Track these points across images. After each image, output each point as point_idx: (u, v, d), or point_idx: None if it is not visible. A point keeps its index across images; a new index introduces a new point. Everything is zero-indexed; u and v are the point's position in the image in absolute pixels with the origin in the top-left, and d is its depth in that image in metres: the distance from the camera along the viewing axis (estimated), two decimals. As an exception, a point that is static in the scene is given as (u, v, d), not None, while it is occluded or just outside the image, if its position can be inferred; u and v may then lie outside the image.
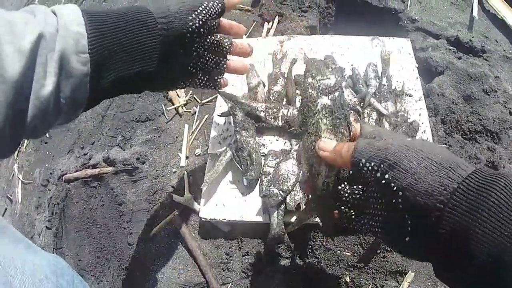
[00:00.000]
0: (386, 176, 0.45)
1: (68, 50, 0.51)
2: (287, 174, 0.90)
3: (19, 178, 1.41)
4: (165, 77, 0.66)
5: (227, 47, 0.73)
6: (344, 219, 0.54)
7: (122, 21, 0.57)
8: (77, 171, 1.17)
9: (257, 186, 0.94)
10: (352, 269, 0.94)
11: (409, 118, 0.99)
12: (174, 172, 1.04)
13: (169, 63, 0.64)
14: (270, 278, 0.94)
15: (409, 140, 0.48)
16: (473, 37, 1.23)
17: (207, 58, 0.71)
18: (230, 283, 0.95)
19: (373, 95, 0.99)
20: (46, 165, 1.31)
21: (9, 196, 1.44)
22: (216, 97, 1.10)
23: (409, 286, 0.93)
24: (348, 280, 0.93)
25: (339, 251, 0.93)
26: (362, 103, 0.99)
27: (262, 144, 0.98)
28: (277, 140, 0.98)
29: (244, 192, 0.94)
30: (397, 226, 0.45)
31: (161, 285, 0.97)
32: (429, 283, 0.95)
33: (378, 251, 0.94)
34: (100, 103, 0.61)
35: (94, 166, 1.14)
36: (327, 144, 0.55)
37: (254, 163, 0.91)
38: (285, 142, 0.98)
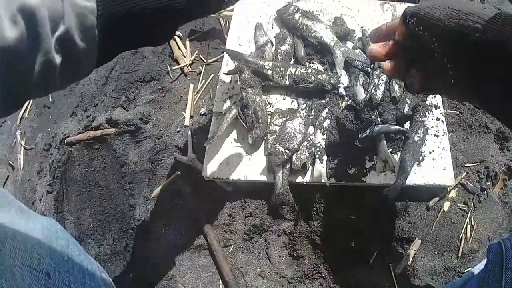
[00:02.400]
0: (421, 27, 0.52)
1: (72, 29, 0.47)
2: (294, 133, 0.88)
3: (21, 144, 1.39)
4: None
5: None
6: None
7: None
8: (79, 133, 1.15)
9: (262, 145, 0.92)
10: (357, 233, 0.92)
11: (420, 82, 0.97)
12: (178, 132, 1.02)
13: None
14: (273, 240, 0.93)
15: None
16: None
17: None
18: (233, 245, 0.93)
19: (383, 57, 0.97)
20: (49, 129, 1.29)
21: (11, 163, 1.43)
22: (223, 56, 1.08)
23: (415, 254, 0.91)
24: (353, 245, 0.91)
25: (344, 215, 0.91)
26: (372, 65, 0.96)
27: (269, 102, 0.96)
28: (284, 99, 0.96)
29: (248, 151, 0.92)
30: (441, 71, 0.52)
31: (162, 247, 0.96)
32: (436, 252, 0.93)
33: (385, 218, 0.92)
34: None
35: (96, 128, 1.12)
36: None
37: (260, 121, 0.89)
38: (292, 101, 0.96)
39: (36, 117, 1.38)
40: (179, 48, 1.15)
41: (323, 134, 0.89)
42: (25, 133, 1.41)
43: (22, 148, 1.39)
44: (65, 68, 0.49)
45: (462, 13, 0.50)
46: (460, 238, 0.92)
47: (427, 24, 0.52)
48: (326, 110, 0.92)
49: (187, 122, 1.01)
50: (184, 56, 1.13)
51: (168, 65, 1.14)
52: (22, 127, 1.42)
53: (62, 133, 1.21)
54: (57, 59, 0.48)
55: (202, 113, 1.04)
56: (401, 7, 1.09)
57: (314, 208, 0.92)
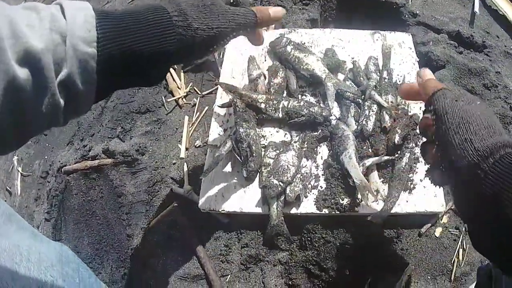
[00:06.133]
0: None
1: (74, 73, 0.47)
2: (287, 165, 0.90)
3: (18, 171, 1.40)
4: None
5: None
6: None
7: (139, 33, 0.52)
8: (76, 163, 1.16)
9: (257, 177, 0.94)
10: (351, 261, 0.93)
11: (410, 111, 0.99)
12: (174, 164, 1.04)
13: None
14: (269, 270, 0.94)
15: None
16: (474, 32, 1.23)
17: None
18: (229, 275, 0.94)
19: (374, 88, 0.99)
20: (46, 157, 1.31)
21: (8, 188, 1.44)
22: (217, 88, 1.10)
23: (408, 279, 0.93)
24: (347, 273, 0.93)
25: (338, 244, 0.93)
26: (363, 96, 0.98)
27: (262, 135, 0.97)
28: (277, 131, 0.98)
29: (243, 184, 0.94)
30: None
31: (159, 277, 0.97)
32: (429, 277, 0.94)
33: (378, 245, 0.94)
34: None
35: (93, 158, 1.13)
36: (426, 71, 0.61)
37: (254, 154, 0.91)
38: (285, 133, 0.98)
39: (33, 143, 1.40)
40: (174, 80, 1.17)
41: (318, 167, 0.92)
42: (22, 159, 1.42)
43: (19, 174, 1.40)
44: (67, 109, 0.50)
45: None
46: (452, 262, 0.94)
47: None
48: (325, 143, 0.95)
49: (182, 154, 1.03)
50: (179, 88, 1.14)
51: (163, 97, 1.15)
52: (18, 153, 1.43)
53: (59, 161, 1.22)
54: (61, 101, 0.48)
55: (197, 145, 1.05)
56: (391, 36, 1.11)
57: (308, 238, 0.93)
